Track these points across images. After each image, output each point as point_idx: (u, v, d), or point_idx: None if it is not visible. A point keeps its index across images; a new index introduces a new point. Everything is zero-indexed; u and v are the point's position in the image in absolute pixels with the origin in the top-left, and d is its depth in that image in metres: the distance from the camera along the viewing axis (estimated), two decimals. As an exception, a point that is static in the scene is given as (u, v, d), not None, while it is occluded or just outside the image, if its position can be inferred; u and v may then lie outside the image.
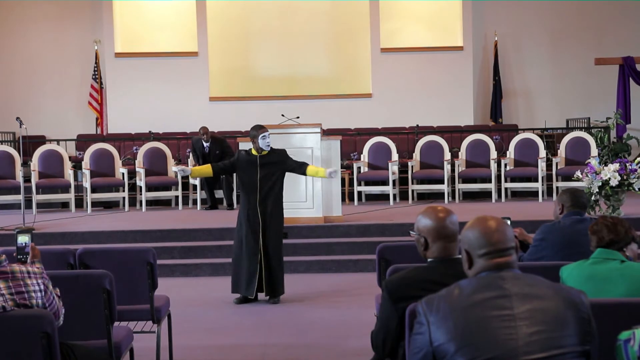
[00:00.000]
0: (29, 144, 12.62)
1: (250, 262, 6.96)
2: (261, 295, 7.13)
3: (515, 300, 2.38)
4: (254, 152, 7.10)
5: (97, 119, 15.11)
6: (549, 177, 11.89)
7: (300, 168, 7.15)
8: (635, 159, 9.35)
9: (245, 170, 7.07)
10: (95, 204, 11.66)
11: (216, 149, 11.47)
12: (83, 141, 13.67)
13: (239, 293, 7.06)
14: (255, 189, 7.02)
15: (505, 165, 11.85)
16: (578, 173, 9.36)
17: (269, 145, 7.06)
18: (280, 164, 7.10)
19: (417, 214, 3.19)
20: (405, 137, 13.56)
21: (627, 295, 3.41)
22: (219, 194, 11.70)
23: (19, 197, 10.33)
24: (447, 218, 3.10)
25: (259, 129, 7.10)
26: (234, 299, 7.10)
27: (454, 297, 2.43)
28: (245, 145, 9.31)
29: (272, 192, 7.05)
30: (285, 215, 9.02)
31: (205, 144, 11.51)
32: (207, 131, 11.54)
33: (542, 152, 11.85)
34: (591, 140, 11.90)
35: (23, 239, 3.87)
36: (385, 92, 15.08)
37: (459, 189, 11.96)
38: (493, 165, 11.76)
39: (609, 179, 8.94)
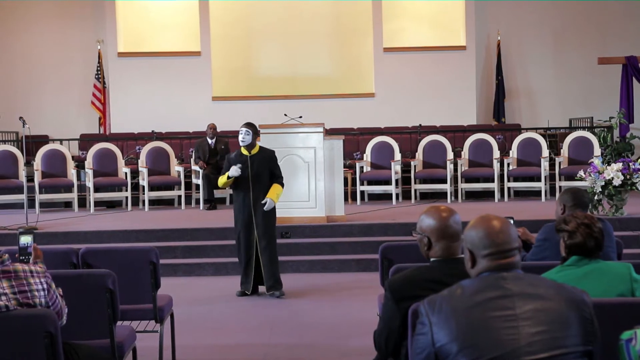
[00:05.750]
0: (32, 144, 12.63)
1: (248, 257, 7.22)
2: (261, 289, 7.42)
3: (517, 300, 2.37)
4: (244, 151, 7.25)
5: (100, 118, 15.13)
6: (551, 177, 11.88)
7: (272, 179, 7.29)
8: (638, 158, 9.34)
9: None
10: (98, 203, 11.68)
11: (221, 144, 11.93)
12: (86, 141, 13.68)
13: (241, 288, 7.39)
14: (248, 187, 7.18)
15: (508, 164, 11.85)
16: (581, 172, 9.35)
17: (243, 141, 7.19)
18: (268, 163, 7.27)
19: (420, 214, 3.18)
20: (408, 136, 13.56)
21: (613, 291, 3.39)
22: (217, 193, 11.76)
23: (22, 197, 10.35)
24: (451, 218, 3.10)
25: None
26: (239, 291, 7.40)
27: (456, 297, 2.43)
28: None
29: (263, 189, 7.21)
30: (288, 215, 9.06)
31: (210, 141, 11.88)
32: (214, 127, 11.96)
33: (545, 152, 11.84)
34: (594, 140, 11.88)
35: (25, 240, 3.87)
36: (388, 92, 15.07)
37: (461, 189, 11.95)
38: (496, 165, 11.75)
39: (612, 178, 8.93)
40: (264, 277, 7.25)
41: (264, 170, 7.22)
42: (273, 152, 7.39)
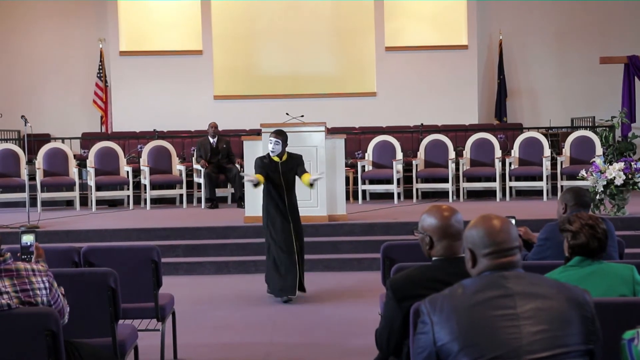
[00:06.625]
0: (33, 142, 12.64)
1: (292, 260, 7.05)
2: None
3: (518, 299, 2.37)
4: (274, 157, 7.14)
5: (101, 117, 15.13)
6: (553, 176, 11.87)
7: (300, 174, 7.23)
8: (640, 158, 9.33)
9: (270, 177, 7.09)
10: (99, 202, 11.69)
11: (223, 143, 11.95)
12: (88, 139, 13.69)
13: (284, 294, 7.07)
14: (281, 195, 7.09)
15: (510, 164, 11.84)
16: (583, 172, 9.34)
17: (273, 151, 7.10)
18: (295, 168, 7.20)
19: (422, 213, 3.18)
20: (410, 135, 13.55)
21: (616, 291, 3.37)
22: (219, 192, 11.76)
23: (24, 195, 10.36)
24: (452, 217, 3.10)
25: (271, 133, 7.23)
26: (284, 298, 7.07)
27: (457, 296, 2.43)
28: (249, 143, 9.38)
29: (294, 193, 7.22)
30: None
31: (212, 140, 11.89)
32: (215, 126, 11.98)
33: (547, 151, 11.84)
34: (596, 139, 11.87)
35: (27, 239, 3.87)
36: (389, 91, 15.07)
37: (463, 188, 11.95)
38: (497, 164, 11.74)
39: (614, 178, 8.93)
40: (299, 278, 7.18)
41: (293, 175, 7.18)
42: (300, 156, 7.32)
